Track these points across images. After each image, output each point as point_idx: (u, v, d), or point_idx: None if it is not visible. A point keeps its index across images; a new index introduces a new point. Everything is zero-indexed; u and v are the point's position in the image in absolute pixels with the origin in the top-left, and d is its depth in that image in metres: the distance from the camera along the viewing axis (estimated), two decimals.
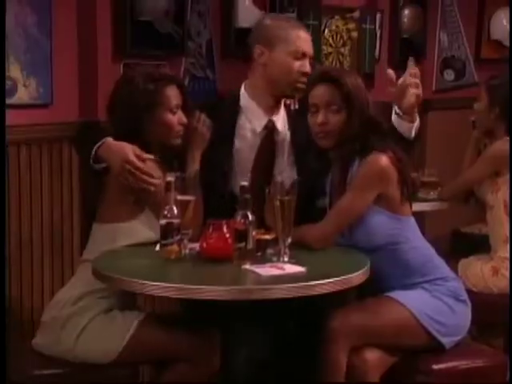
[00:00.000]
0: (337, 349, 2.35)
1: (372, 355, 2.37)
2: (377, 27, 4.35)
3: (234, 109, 2.65)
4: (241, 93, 2.68)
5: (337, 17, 4.15)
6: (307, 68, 2.56)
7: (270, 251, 2.34)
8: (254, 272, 2.17)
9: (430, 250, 2.51)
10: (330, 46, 4.16)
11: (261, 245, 2.32)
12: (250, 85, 2.67)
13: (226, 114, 2.64)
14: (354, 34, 4.25)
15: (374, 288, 2.49)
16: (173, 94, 2.46)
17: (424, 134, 4.77)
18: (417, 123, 2.51)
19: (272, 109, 2.65)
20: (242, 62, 3.62)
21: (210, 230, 2.27)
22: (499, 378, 2.38)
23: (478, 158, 3.26)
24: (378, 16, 4.36)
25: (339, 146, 2.44)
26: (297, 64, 2.56)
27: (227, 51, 3.58)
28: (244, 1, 3.58)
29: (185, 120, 2.49)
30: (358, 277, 2.22)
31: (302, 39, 2.57)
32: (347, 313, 2.40)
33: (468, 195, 3.31)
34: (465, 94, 4.61)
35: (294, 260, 2.26)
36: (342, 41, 4.21)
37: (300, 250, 2.34)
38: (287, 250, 2.28)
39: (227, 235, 2.25)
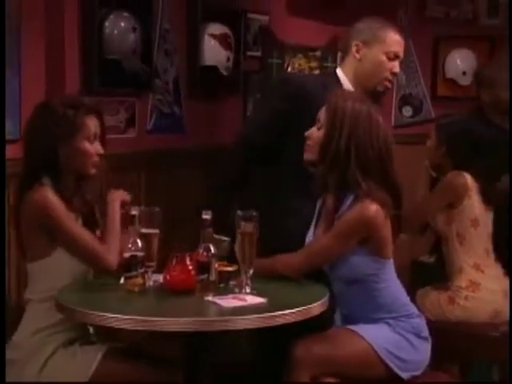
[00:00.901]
0: (298, 376, 2.32)
1: None
2: (338, 65, 4.39)
3: (337, 84, 2.76)
4: (337, 71, 2.81)
5: (299, 55, 4.19)
6: (397, 69, 2.74)
7: (232, 282, 2.31)
8: (216, 303, 2.15)
9: (400, 288, 2.49)
10: None
11: (223, 276, 2.30)
12: (348, 69, 2.79)
13: (332, 87, 2.69)
14: (317, 72, 4.29)
15: (342, 317, 2.49)
16: (92, 123, 2.40)
17: None
18: None
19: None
20: (207, 98, 3.68)
21: (174, 262, 2.24)
22: None
23: (431, 191, 3.28)
24: (339, 55, 4.41)
25: (318, 163, 2.42)
26: (389, 64, 2.71)
27: (193, 88, 3.59)
28: (210, 40, 3.59)
29: (102, 151, 2.43)
30: (317, 307, 2.20)
31: (397, 42, 2.73)
32: (310, 343, 2.37)
33: (424, 226, 3.32)
34: (422, 129, 4.65)
35: (255, 291, 2.24)
36: None
37: (262, 281, 2.31)
38: (249, 282, 2.25)
39: (190, 267, 2.22)
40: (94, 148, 2.40)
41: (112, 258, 2.33)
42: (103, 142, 2.44)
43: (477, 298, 3.06)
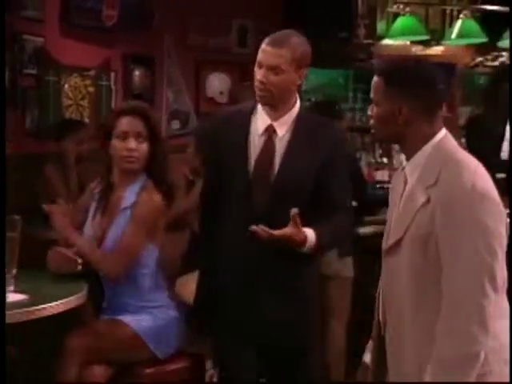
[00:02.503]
0: (68, 365, 2.30)
1: (98, 369, 2.35)
2: (112, 84, 4.41)
3: (250, 114, 2.41)
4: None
5: (75, 74, 4.13)
6: (259, 75, 2.32)
7: None
8: None
9: (161, 280, 2.53)
10: (70, 99, 4.13)
11: None
12: None
13: (241, 120, 2.40)
14: (92, 89, 4.26)
15: (109, 306, 2.49)
16: None
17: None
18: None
19: (277, 114, 2.37)
20: None
21: None
22: (197, 375, 2.49)
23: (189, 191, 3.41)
24: (113, 75, 4.42)
25: (141, 170, 2.42)
26: (257, 72, 2.34)
27: None
28: None
29: None
30: (74, 300, 2.21)
31: (261, 51, 2.35)
32: (82, 333, 2.36)
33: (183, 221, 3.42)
34: (189, 140, 4.78)
35: (19, 289, 2.19)
36: (80, 95, 4.20)
37: (27, 280, 2.26)
38: (13, 281, 2.20)
39: None
40: None
41: None
42: None
43: None
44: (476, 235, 1.62)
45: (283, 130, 2.34)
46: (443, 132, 1.77)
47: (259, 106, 2.39)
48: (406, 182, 1.80)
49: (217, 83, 4.92)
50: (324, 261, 2.54)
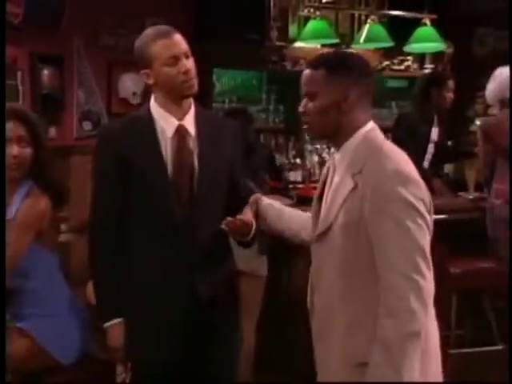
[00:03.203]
0: None
1: None
2: (18, 83, 4.28)
3: (149, 121, 2.26)
4: (151, 105, 2.29)
5: None
6: (185, 66, 2.21)
7: None
8: None
9: (61, 286, 2.46)
10: None
11: None
12: (155, 97, 2.29)
13: (143, 127, 2.26)
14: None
15: (12, 315, 2.39)
16: None
17: (68, 176, 4.74)
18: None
19: (181, 114, 2.28)
20: None
21: None
22: (106, 379, 2.45)
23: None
24: (19, 74, 4.30)
25: (25, 176, 2.34)
26: (175, 70, 2.20)
27: None
28: None
29: None
30: None
31: (166, 46, 2.21)
32: None
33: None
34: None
35: None
36: None
37: None
38: None
39: None
40: None
41: None
42: None
43: None
44: (404, 215, 1.68)
45: (193, 129, 2.29)
46: (371, 124, 1.85)
47: (156, 108, 2.28)
48: (334, 172, 1.85)
49: (129, 84, 4.83)
50: (243, 257, 2.56)
